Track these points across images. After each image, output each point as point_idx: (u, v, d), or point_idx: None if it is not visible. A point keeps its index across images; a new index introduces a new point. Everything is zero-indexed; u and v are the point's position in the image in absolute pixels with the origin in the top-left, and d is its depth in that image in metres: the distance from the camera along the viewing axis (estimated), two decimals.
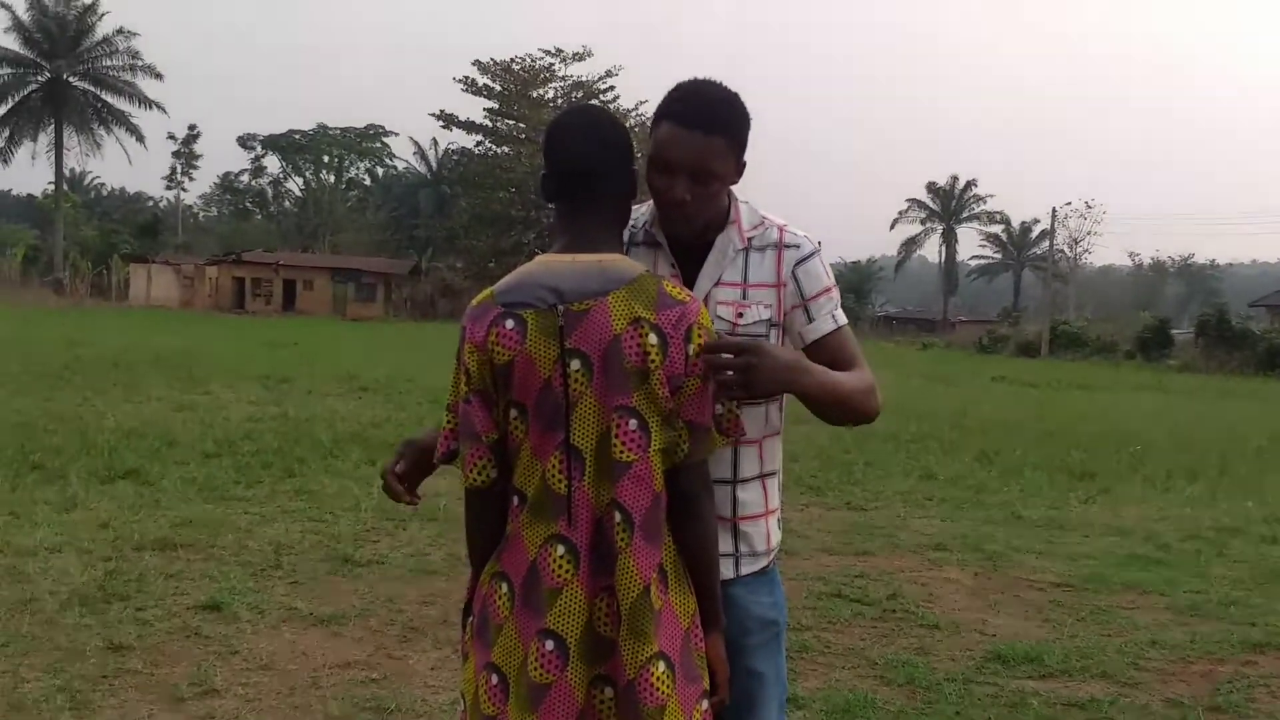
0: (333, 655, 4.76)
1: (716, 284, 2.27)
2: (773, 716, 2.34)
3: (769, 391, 2.13)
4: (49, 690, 4.16)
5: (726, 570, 2.25)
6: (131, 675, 4.39)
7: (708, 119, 2.17)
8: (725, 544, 2.24)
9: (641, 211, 2.32)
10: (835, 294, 2.33)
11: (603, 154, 2.11)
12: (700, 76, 2.25)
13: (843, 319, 2.32)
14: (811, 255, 2.31)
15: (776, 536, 2.39)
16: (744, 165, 2.26)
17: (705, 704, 2.06)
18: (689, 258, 2.29)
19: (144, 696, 4.20)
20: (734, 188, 2.31)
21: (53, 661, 4.47)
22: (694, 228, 2.24)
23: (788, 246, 2.30)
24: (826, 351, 2.28)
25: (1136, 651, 5.27)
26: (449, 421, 2.13)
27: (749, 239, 2.29)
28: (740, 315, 2.25)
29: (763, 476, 2.33)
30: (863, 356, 2.34)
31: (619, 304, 1.98)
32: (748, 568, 2.31)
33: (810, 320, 2.29)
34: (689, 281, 2.25)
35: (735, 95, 2.24)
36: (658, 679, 1.96)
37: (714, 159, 2.17)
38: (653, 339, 1.97)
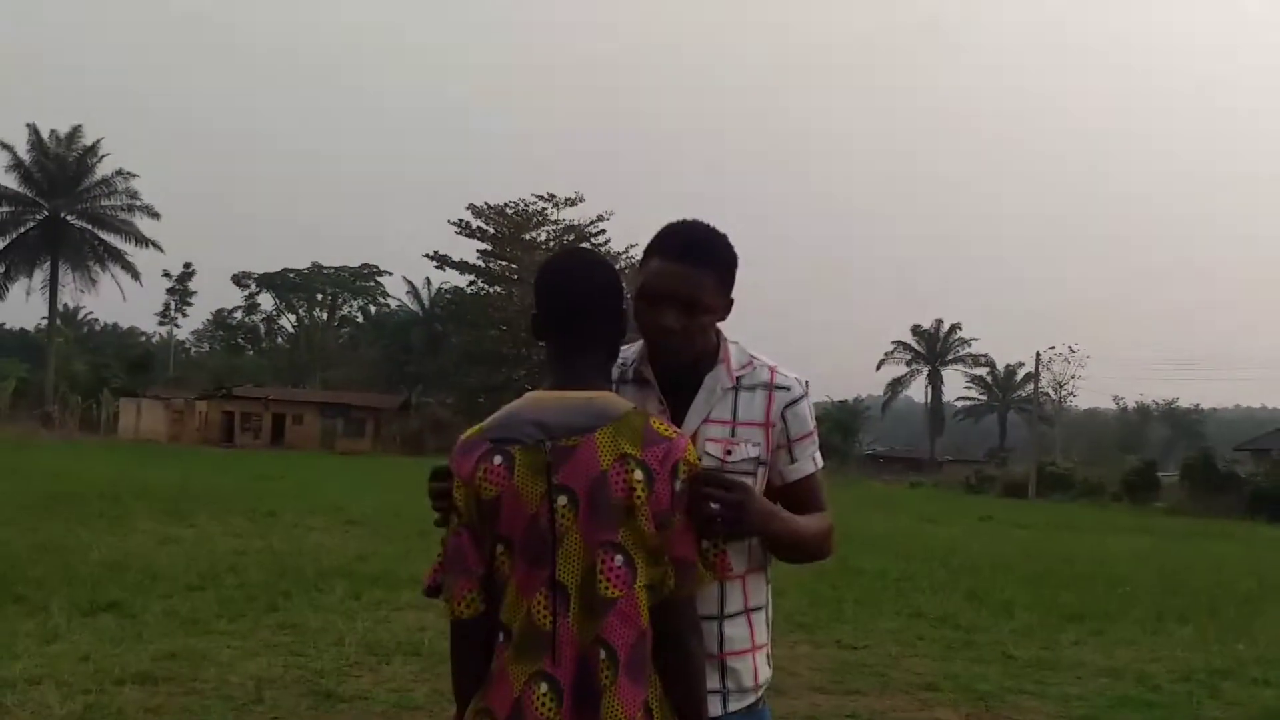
0: None
1: (705, 420, 2.30)
2: None
3: (751, 532, 2.20)
4: None
5: (714, 707, 2.24)
6: None
7: (696, 254, 2.25)
8: (712, 680, 2.23)
9: (631, 351, 2.37)
10: (816, 437, 2.41)
11: (593, 295, 2.16)
12: (689, 218, 2.35)
13: (820, 461, 2.41)
14: (801, 399, 2.37)
15: (766, 673, 2.37)
16: (731, 303, 2.34)
17: None
18: (678, 396, 2.32)
19: None
20: (723, 327, 2.38)
21: None
22: (683, 359, 2.29)
23: (779, 388, 2.35)
24: (803, 491, 2.36)
25: None
26: (440, 555, 2.15)
27: (738, 377, 2.34)
28: (729, 452, 2.28)
29: (748, 611, 2.33)
30: (827, 499, 2.42)
31: (606, 440, 2.00)
32: (735, 704, 2.30)
33: (793, 461, 2.36)
34: (677, 419, 2.27)
35: (723, 234, 2.33)
36: None
37: (702, 291, 2.24)
38: (638, 475, 1.98)
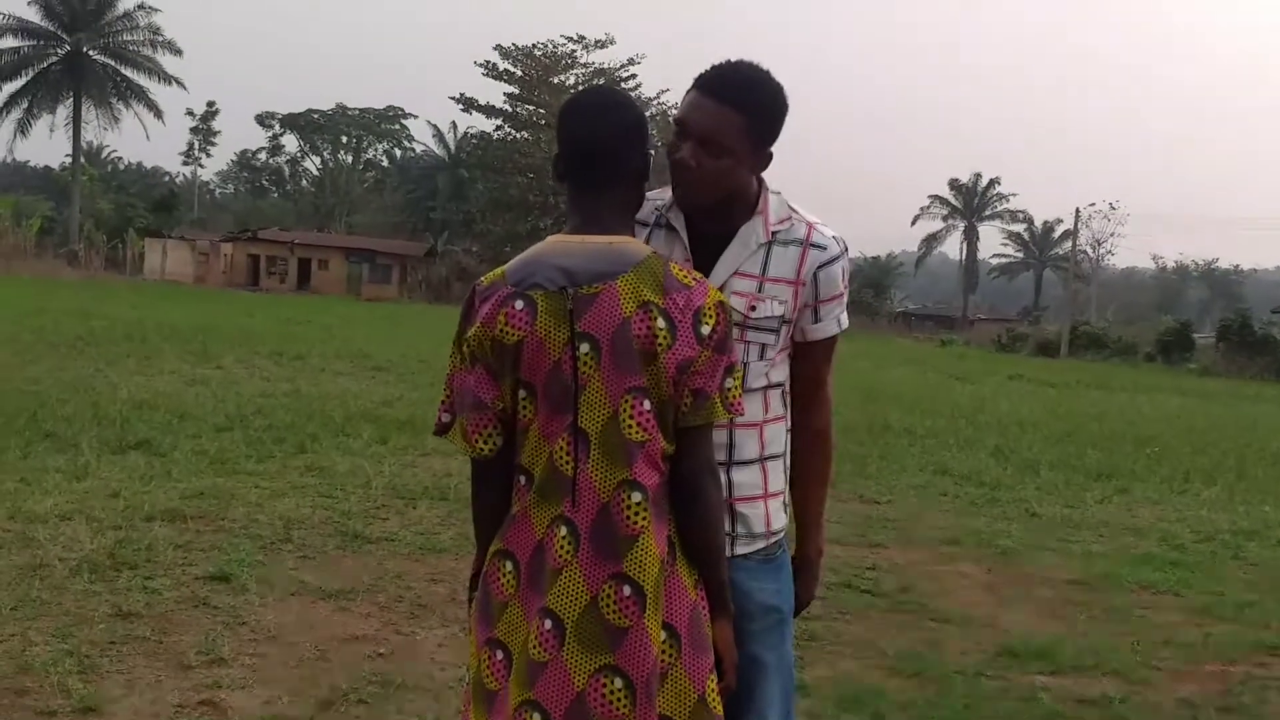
0: (340, 629, 4.74)
1: (735, 274, 2.24)
2: (775, 705, 2.30)
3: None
4: (58, 654, 4.15)
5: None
6: (139, 642, 4.38)
7: (729, 92, 2.16)
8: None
9: (666, 195, 2.29)
10: (845, 298, 2.34)
11: (615, 133, 2.10)
12: (744, 59, 2.23)
13: (845, 323, 2.35)
14: (836, 259, 2.29)
15: (780, 521, 2.35)
16: (769, 156, 2.24)
17: (715, 677, 2.04)
18: (711, 247, 2.26)
19: (151, 663, 4.19)
20: (767, 178, 2.30)
21: (61, 626, 4.46)
22: (697, 201, 2.22)
23: (814, 246, 2.27)
24: (817, 352, 2.33)
25: (1149, 650, 5.22)
26: (445, 394, 2.13)
27: (774, 232, 2.27)
28: (753, 308, 2.23)
29: (763, 460, 2.30)
30: (833, 362, 2.40)
31: (627, 287, 1.98)
32: (743, 548, 2.29)
33: (817, 320, 2.30)
34: (707, 269, 2.21)
35: (771, 81, 2.22)
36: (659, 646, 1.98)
37: (725, 131, 2.15)
38: (661, 323, 1.96)
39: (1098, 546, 7.55)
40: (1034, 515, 8.57)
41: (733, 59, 2.22)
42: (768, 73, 2.22)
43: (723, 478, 2.21)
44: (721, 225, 2.25)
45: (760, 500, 2.30)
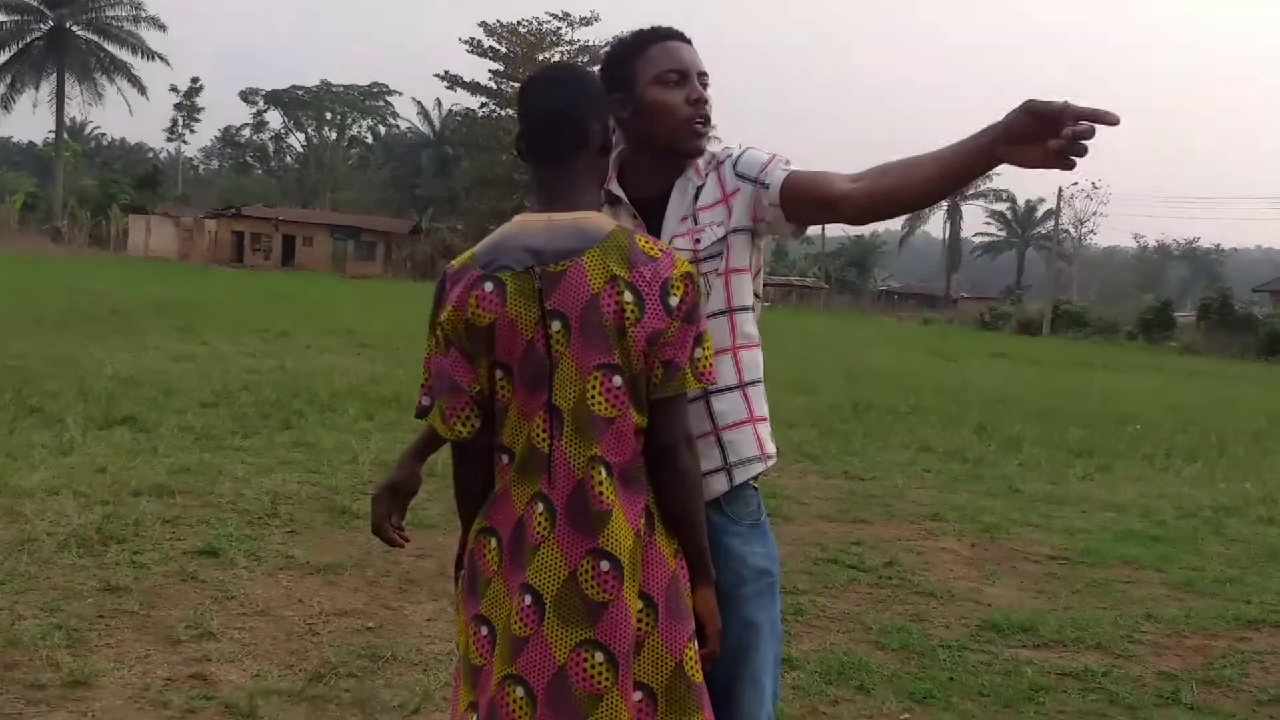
0: (329, 603, 4.75)
1: (679, 222, 2.30)
2: (768, 667, 2.32)
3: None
4: (46, 628, 4.15)
5: (720, 484, 2.26)
6: (128, 616, 4.39)
7: (682, 33, 2.34)
8: (712, 460, 2.24)
9: None
10: (781, 158, 2.31)
11: (575, 104, 2.09)
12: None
13: (794, 165, 2.30)
14: (743, 152, 2.34)
15: (770, 445, 2.36)
16: None
17: (695, 646, 2.05)
18: (653, 208, 2.31)
19: (140, 637, 4.19)
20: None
21: (50, 600, 4.46)
22: (705, 137, 2.30)
23: (722, 161, 2.34)
24: (799, 189, 2.25)
25: (1131, 625, 5.27)
26: (425, 378, 2.14)
27: (704, 174, 2.33)
28: (698, 241, 2.28)
29: (743, 387, 2.31)
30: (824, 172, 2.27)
31: (594, 263, 1.98)
32: (742, 475, 2.30)
33: (766, 186, 2.28)
34: (653, 232, 2.27)
35: None
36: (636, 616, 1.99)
37: (702, 64, 2.31)
38: (628, 297, 1.96)
39: (1080, 522, 7.61)
40: (1016, 491, 8.63)
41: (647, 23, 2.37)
42: None
43: (703, 409, 2.24)
44: (657, 185, 2.32)
45: (747, 425, 2.31)
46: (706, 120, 2.27)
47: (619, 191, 2.32)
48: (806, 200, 2.24)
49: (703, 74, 2.29)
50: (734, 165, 2.31)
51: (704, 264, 2.26)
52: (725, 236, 2.28)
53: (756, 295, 2.38)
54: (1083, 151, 1.85)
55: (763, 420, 2.35)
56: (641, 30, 2.33)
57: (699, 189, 2.31)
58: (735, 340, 2.30)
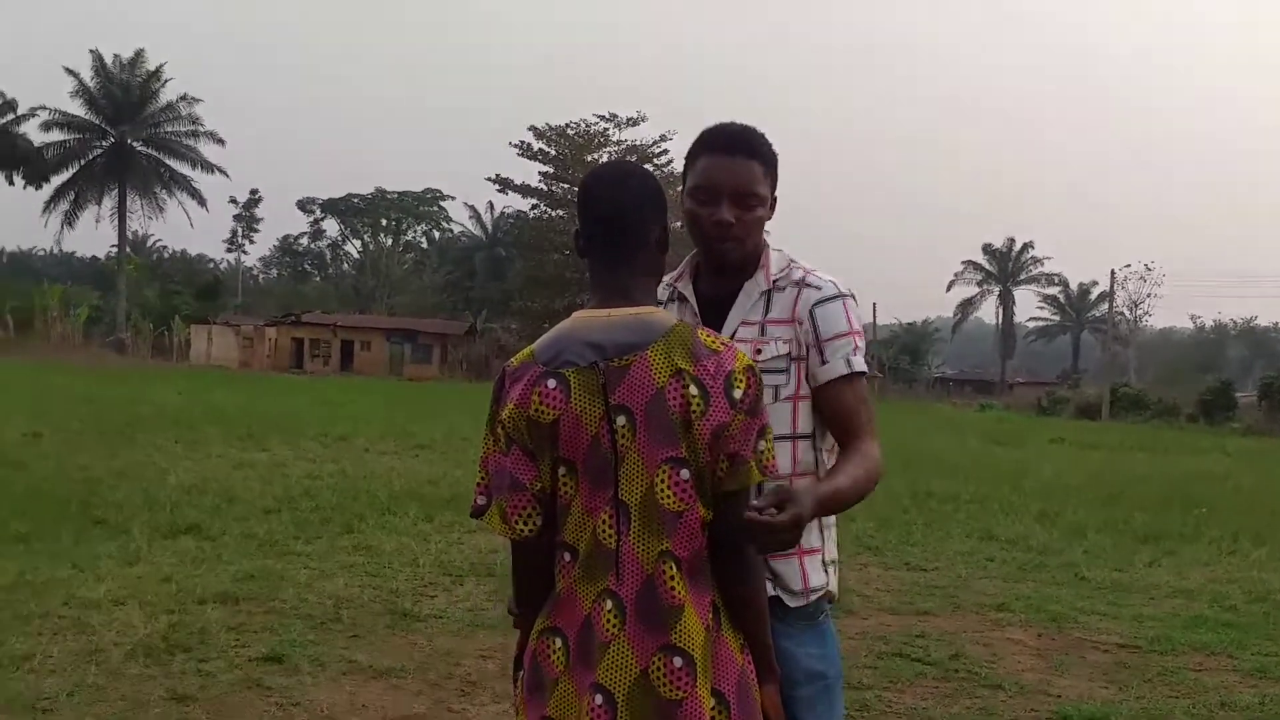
0: (392, 708, 4.78)
1: (740, 324, 2.34)
2: None
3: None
4: None
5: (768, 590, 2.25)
6: None
7: (742, 146, 2.31)
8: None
9: (669, 273, 2.39)
10: (857, 340, 2.34)
11: (635, 203, 2.12)
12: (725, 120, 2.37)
13: (860, 365, 2.32)
14: (833, 298, 2.34)
15: (818, 578, 2.36)
16: (776, 200, 2.36)
17: None
18: (717, 308, 2.35)
19: None
20: (768, 237, 2.40)
21: (118, 711, 4.52)
22: (737, 257, 2.32)
23: (808, 286, 2.35)
24: (836, 396, 2.30)
25: (1206, 713, 5.15)
26: (481, 477, 2.14)
27: (774, 281, 2.35)
28: (759, 351, 2.30)
29: None
30: (871, 414, 2.31)
31: (658, 357, 1.99)
32: (785, 602, 2.31)
33: (824, 362, 2.31)
34: (716, 328, 2.29)
35: (760, 130, 2.36)
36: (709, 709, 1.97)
37: (754, 182, 2.29)
38: (694, 390, 1.97)
39: (1149, 609, 7.45)
40: (1083, 579, 8.47)
41: (719, 122, 2.35)
42: (750, 124, 2.37)
43: None
44: (729, 285, 2.36)
45: (794, 557, 2.31)
46: (732, 239, 2.30)
47: (686, 290, 2.38)
48: (832, 417, 2.31)
49: (744, 194, 2.28)
50: (814, 304, 2.33)
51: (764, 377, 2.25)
52: (789, 355, 2.31)
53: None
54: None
55: (812, 553, 2.35)
56: (703, 133, 2.35)
57: (769, 297, 2.34)
58: (795, 469, 2.32)
